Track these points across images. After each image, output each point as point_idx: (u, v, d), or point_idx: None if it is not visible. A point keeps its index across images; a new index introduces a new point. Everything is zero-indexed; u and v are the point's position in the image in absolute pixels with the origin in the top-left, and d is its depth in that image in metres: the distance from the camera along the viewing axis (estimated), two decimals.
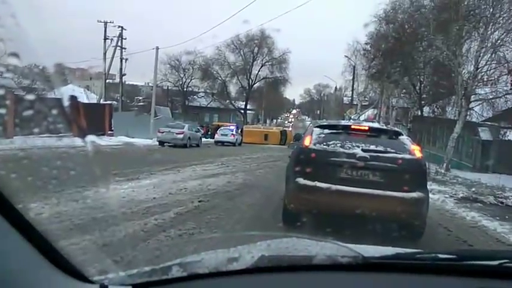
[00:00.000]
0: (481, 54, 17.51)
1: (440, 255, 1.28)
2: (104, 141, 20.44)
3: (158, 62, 33.81)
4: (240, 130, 35.92)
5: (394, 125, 23.80)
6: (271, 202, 7.37)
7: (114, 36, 33.13)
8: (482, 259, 1.28)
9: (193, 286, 1.13)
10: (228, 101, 53.29)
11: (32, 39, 1.16)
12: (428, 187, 5.75)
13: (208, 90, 52.45)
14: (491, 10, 17.21)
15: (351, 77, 35.34)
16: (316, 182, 5.11)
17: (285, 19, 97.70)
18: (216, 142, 30.36)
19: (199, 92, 52.72)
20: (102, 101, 32.61)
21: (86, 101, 30.15)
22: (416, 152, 5.40)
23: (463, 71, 18.19)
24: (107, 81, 35.39)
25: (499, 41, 17.42)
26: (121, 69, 34.83)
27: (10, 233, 0.86)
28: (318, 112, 75.15)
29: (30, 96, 1.22)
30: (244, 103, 54.05)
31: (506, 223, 7.52)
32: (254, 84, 53.17)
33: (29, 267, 0.89)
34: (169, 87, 49.67)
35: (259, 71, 52.35)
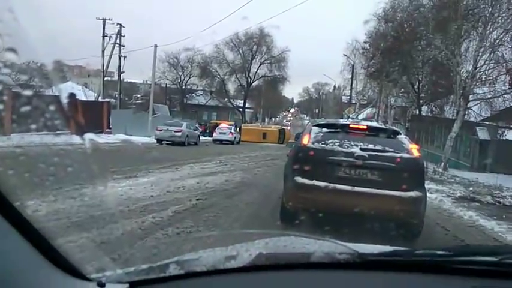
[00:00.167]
0: (480, 54, 17.53)
1: (439, 252, 1.28)
2: (102, 138, 20.40)
3: (157, 59, 33.91)
4: (238, 128, 35.90)
5: (392, 124, 23.80)
6: (270, 200, 7.37)
7: (113, 34, 33.07)
8: (481, 255, 1.27)
9: (191, 284, 1.13)
10: (226, 99, 53.28)
11: (30, 35, 1.15)
12: (426, 186, 5.76)
13: (206, 88, 52.43)
14: (490, 9, 17.23)
15: (350, 76, 35.37)
16: (314, 180, 5.11)
17: (284, 17, 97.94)
18: (214, 140, 30.34)
19: (197, 90, 52.70)
20: (100, 99, 32.59)
21: (84, 98, 30.05)
22: (415, 151, 5.41)
23: (462, 71, 18.22)
24: (105, 78, 35.34)
25: (497, 41, 17.45)
26: (119, 66, 34.77)
27: (8, 231, 0.86)
28: (317, 111, 75.16)
29: (28, 93, 1.22)
30: (242, 101, 54.05)
31: (503, 222, 7.54)
32: (253, 82, 53.20)
33: (27, 265, 0.89)
34: (167, 85, 49.65)
35: (258, 69, 52.43)
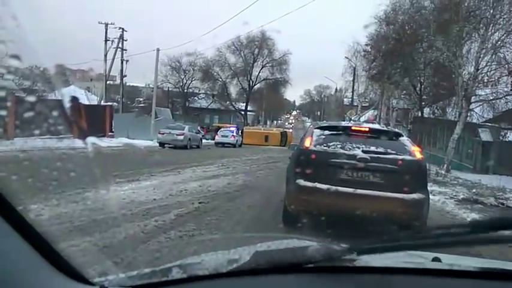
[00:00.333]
0: (482, 55, 17.52)
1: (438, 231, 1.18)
2: (105, 142, 20.45)
3: (159, 63, 33.94)
4: (240, 131, 35.92)
5: (394, 126, 23.79)
6: (272, 203, 7.37)
7: (115, 38, 33.20)
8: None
9: None
10: (228, 102, 53.35)
11: (32, 40, 1.16)
12: (428, 188, 5.75)
13: (208, 92, 52.50)
14: (491, 11, 17.23)
15: (352, 78, 35.32)
16: (316, 183, 5.11)
17: (286, 20, 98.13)
18: (217, 143, 30.38)
19: (199, 94, 52.75)
20: (102, 103, 32.63)
21: (86, 102, 30.15)
22: (417, 153, 5.40)
23: (464, 72, 18.20)
24: (108, 82, 35.42)
25: (499, 42, 17.45)
26: (122, 70, 34.88)
27: (11, 235, 0.86)
28: (318, 113, 75.20)
29: (31, 98, 1.22)
30: (244, 104, 54.09)
31: None
32: (254, 85, 53.23)
33: (29, 269, 0.89)
34: (169, 89, 49.72)
35: (259, 72, 52.46)
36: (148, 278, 1.12)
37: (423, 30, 20.02)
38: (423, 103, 23.90)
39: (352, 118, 29.93)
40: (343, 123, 6.72)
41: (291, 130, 52.44)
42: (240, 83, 52.69)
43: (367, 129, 5.64)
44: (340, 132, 5.58)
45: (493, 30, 17.33)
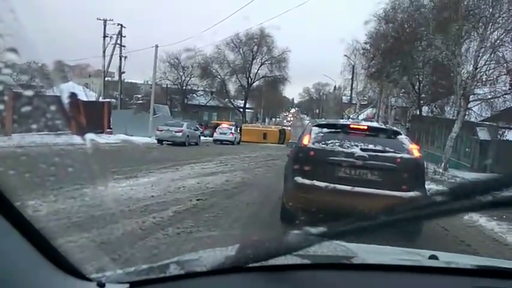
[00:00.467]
0: (480, 54, 17.54)
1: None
2: (103, 139, 20.41)
3: (157, 60, 33.88)
4: (238, 129, 35.91)
5: (392, 124, 23.80)
6: (270, 201, 7.38)
7: (114, 34, 33.04)
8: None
9: (191, 284, 1.13)
10: (227, 99, 53.28)
11: (31, 35, 1.15)
12: (426, 186, 5.76)
13: (207, 89, 52.42)
14: (490, 10, 17.24)
15: (350, 76, 35.36)
16: (314, 180, 5.12)
17: (285, 18, 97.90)
18: (215, 141, 30.36)
19: (198, 91, 52.68)
20: (101, 99, 32.58)
21: (84, 98, 30.06)
22: (415, 151, 5.41)
23: (462, 71, 18.23)
24: (106, 79, 35.36)
25: (498, 41, 17.47)
26: (120, 67, 34.78)
27: (10, 232, 0.86)
28: (317, 111, 75.17)
29: (29, 93, 1.22)
30: (243, 102, 54.04)
31: (503, 223, 7.54)
32: (253, 83, 53.18)
33: (27, 265, 0.89)
34: (168, 86, 49.64)
35: (258, 69, 52.42)
36: (146, 274, 1.12)
37: (422, 29, 20.03)
38: (422, 101, 23.92)
39: (351, 116, 29.96)
40: (342, 121, 6.74)
41: (289, 128, 52.43)
42: (239, 80, 52.63)
43: (365, 127, 5.65)
44: (339, 130, 5.59)
45: (492, 29, 17.35)
